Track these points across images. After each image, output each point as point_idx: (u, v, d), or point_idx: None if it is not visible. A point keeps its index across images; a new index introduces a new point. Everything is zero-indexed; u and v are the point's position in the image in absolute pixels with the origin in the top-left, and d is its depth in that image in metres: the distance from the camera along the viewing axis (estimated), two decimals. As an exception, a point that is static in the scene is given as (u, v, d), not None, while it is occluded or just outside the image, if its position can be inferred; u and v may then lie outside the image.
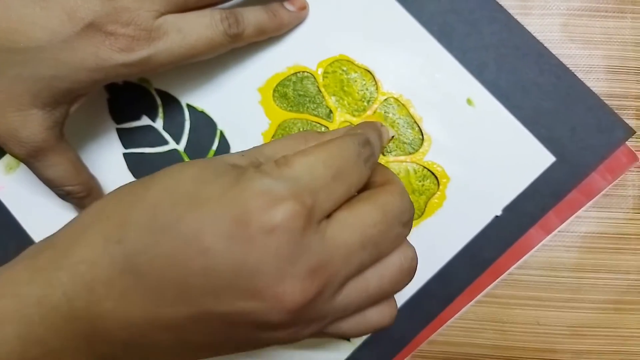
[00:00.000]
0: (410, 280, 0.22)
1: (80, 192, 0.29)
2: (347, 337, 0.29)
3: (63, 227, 0.21)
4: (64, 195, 0.29)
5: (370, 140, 0.23)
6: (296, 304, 0.18)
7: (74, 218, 0.21)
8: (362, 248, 0.20)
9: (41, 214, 0.32)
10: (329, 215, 0.20)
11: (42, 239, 0.22)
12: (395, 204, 0.21)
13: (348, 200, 0.21)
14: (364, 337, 0.31)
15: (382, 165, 0.25)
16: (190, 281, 0.18)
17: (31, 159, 0.27)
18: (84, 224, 0.20)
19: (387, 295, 0.22)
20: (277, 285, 0.18)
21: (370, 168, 0.22)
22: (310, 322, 0.20)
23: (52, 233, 0.22)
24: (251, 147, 0.24)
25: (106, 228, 0.19)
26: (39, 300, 0.19)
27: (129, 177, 0.32)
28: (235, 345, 0.21)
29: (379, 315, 0.22)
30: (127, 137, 0.33)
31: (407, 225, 0.22)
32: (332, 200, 0.20)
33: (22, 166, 0.33)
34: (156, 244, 0.18)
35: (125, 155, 0.33)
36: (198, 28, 0.27)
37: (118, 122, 0.33)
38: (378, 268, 0.21)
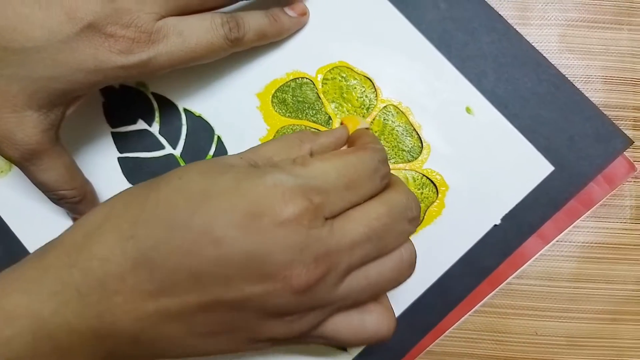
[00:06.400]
0: (410, 274, 0.24)
1: (74, 197, 0.28)
2: (344, 346, 0.29)
3: (69, 229, 0.22)
4: (57, 199, 0.28)
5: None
6: (302, 285, 0.20)
7: (82, 219, 0.22)
8: (366, 240, 0.21)
9: (32, 219, 0.32)
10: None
11: (32, 243, 0.22)
12: (400, 200, 0.23)
13: None
14: (361, 348, 0.31)
15: None
16: (203, 270, 0.19)
17: (25, 162, 0.26)
18: (95, 223, 0.21)
19: (386, 288, 0.23)
20: (286, 269, 0.19)
21: (385, 184, 0.24)
22: (311, 309, 0.21)
23: (53, 238, 0.22)
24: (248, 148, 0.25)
25: (118, 226, 0.20)
26: (50, 297, 0.20)
27: (123, 182, 0.32)
28: (237, 343, 0.21)
29: (376, 324, 0.23)
30: (122, 141, 0.32)
31: (413, 223, 0.23)
32: (342, 204, 0.22)
33: (14, 170, 0.32)
34: (170, 238, 0.19)
35: (120, 159, 0.32)
36: (199, 31, 0.26)
37: (113, 125, 0.32)
38: (380, 261, 0.22)
